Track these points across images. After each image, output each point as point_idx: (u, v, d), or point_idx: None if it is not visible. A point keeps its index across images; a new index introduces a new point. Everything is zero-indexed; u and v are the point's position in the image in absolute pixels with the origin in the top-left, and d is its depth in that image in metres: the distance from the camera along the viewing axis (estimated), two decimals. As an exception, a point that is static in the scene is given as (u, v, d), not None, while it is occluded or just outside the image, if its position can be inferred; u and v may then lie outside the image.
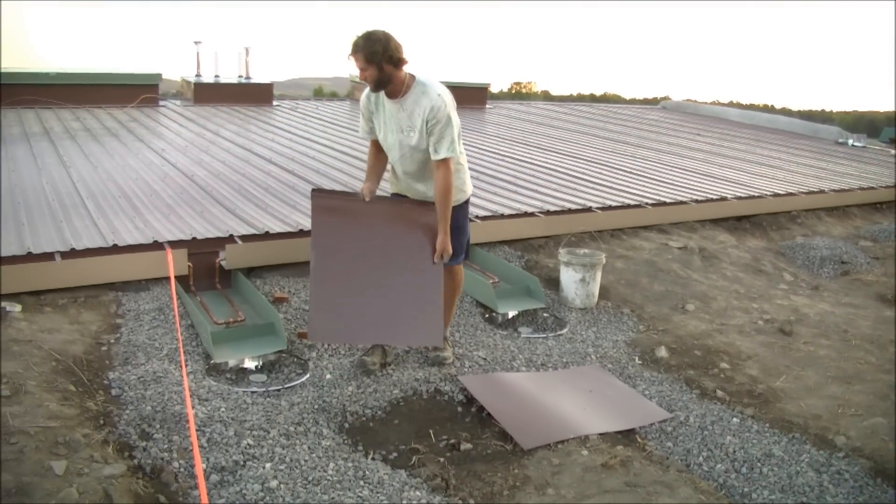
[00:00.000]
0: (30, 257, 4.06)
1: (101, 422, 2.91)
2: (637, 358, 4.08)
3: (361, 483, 2.74)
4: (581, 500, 2.72)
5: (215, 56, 12.09)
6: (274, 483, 2.66)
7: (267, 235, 4.71)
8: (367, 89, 3.44)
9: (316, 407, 3.27)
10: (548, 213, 5.86)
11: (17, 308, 3.74)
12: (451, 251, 3.48)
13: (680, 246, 5.81)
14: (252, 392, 3.37)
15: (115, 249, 4.28)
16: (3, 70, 10.06)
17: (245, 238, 4.64)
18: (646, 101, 24.48)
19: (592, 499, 2.71)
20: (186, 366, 3.45)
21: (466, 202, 3.72)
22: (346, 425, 3.19)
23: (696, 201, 6.82)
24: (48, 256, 4.10)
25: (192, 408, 3.01)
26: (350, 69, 3.42)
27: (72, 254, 4.16)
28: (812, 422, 3.39)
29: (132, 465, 2.68)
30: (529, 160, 8.30)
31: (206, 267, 4.44)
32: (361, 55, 3.21)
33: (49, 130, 8.24)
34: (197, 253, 4.41)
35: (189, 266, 4.33)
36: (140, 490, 2.52)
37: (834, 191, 8.18)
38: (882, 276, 5.86)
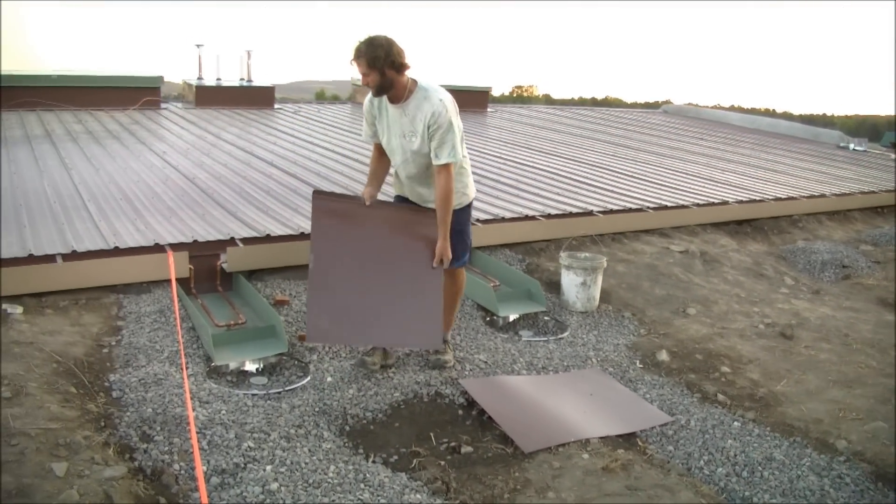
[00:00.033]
0: (31, 259, 4.06)
1: (102, 424, 2.91)
2: (638, 361, 4.08)
3: (362, 486, 2.74)
4: (582, 503, 2.71)
5: (217, 59, 12.15)
6: (274, 485, 2.66)
7: (268, 238, 4.72)
8: (371, 94, 3.45)
9: (317, 410, 3.27)
10: (549, 216, 5.86)
11: (19, 310, 3.75)
12: (450, 256, 3.49)
13: (681, 250, 5.81)
14: (253, 395, 3.37)
15: (117, 252, 4.28)
16: (5, 72, 10.09)
17: (246, 241, 4.65)
18: (647, 105, 24.49)
19: (593, 502, 2.71)
20: (187, 368, 3.45)
21: (469, 205, 3.72)
22: (347, 428, 3.19)
23: (698, 205, 6.82)
24: (49, 258, 4.10)
25: (193, 410, 3.01)
26: (352, 73, 3.43)
27: (73, 256, 4.16)
28: (813, 426, 3.38)
29: (133, 467, 2.68)
30: (531, 164, 8.31)
31: (208, 269, 4.44)
32: (364, 60, 3.22)
33: (51, 132, 8.26)
34: (198, 255, 4.41)
35: (190, 268, 4.34)
36: (141, 492, 2.52)
37: (835, 195, 8.18)
38: (883, 280, 5.86)
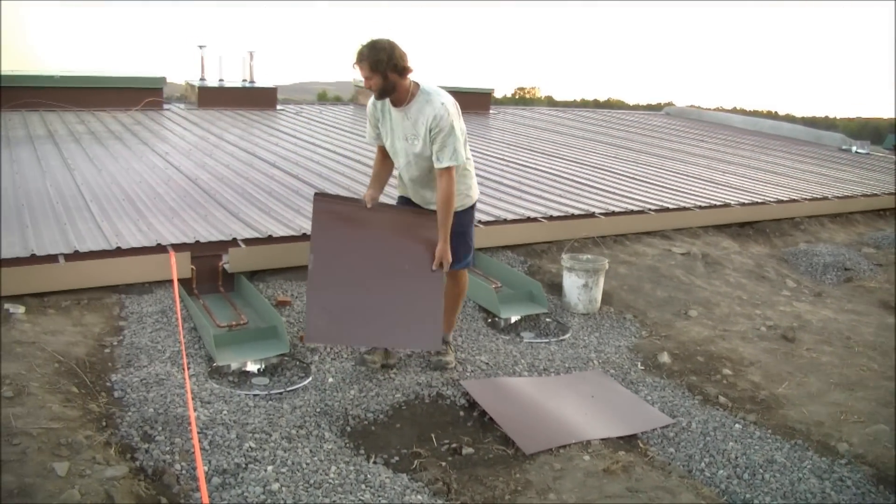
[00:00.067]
0: (33, 259, 4.07)
1: (104, 423, 2.91)
2: (639, 363, 4.08)
3: (363, 486, 2.74)
4: (583, 505, 2.71)
5: (220, 60, 12.18)
6: (275, 486, 2.66)
7: (270, 239, 4.72)
8: (374, 96, 3.45)
9: (318, 410, 3.27)
10: (551, 218, 5.86)
11: (21, 310, 3.75)
12: (450, 259, 3.49)
13: (683, 252, 5.81)
14: (254, 395, 3.38)
15: (119, 252, 4.29)
16: (7, 73, 10.11)
17: (248, 241, 4.65)
18: (649, 107, 24.48)
19: (594, 504, 2.71)
20: (189, 368, 3.45)
21: (472, 207, 3.73)
22: (348, 429, 3.19)
23: (700, 207, 6.82)
24: (52, 258, 4.11)
25: (195, 410, 3.02)
26: (354, 74, 3.43)
27: (75, 256, 4.17)
28: (814, 428, 3.38)
29: (134, 466, 2.68)
30: (533, 165, 8.31)
31: (209, 270, 4.45)
32: (366, 64, 3.22)
33: (53, 133, 8.28)
34: (200, 256, 4.42)
35: (192, 269, 4.34)
36: (142, 492, 2.52)
37: (837, 197, 8.17)
38: (885, 282, 5.85)
